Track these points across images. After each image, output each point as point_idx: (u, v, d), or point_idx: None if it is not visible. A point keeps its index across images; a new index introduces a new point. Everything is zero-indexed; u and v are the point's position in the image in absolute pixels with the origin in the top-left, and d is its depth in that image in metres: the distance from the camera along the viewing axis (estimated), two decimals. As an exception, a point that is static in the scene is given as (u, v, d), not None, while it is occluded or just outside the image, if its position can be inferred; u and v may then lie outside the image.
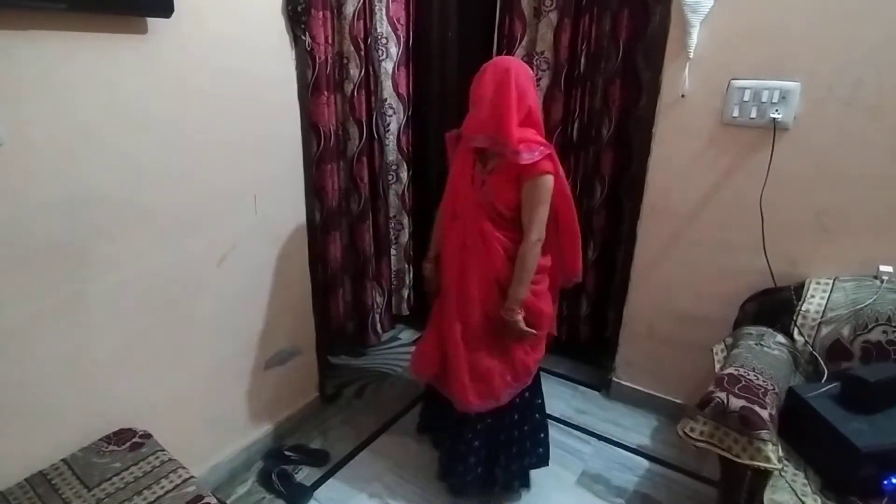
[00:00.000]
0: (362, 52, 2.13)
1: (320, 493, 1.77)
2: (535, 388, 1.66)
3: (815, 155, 1.63)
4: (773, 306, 1.69)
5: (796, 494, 1.20)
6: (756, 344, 1.53)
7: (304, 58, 1.76)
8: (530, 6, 2.14)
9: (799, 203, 1.69)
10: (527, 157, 1.36)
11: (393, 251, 2.56)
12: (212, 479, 1.71)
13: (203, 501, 1.18)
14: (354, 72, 2.11)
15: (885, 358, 1.48)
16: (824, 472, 1.26)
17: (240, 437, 1.83)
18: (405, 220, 2.55)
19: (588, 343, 2.43)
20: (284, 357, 1.93)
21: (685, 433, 1.30)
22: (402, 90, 2.34)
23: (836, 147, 1.60)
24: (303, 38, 1.70)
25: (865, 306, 1.53)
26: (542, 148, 1.39)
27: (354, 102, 2.16)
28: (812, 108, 1.61)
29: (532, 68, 1.91)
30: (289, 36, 1.67)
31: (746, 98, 1.67)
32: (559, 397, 2.25)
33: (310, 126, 1.89)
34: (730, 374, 1.35)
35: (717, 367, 1.52)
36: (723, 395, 1.27)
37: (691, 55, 1.73)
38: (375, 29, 2.13)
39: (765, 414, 1.22)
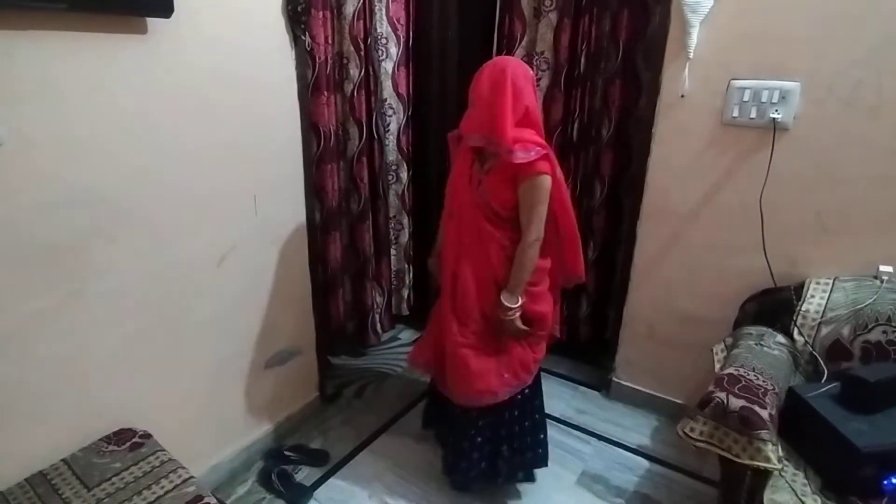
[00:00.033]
0: (362, 53, 2.13)
1: (320, 493, 1.77)
2: (535, 388, 1.66)
3: (815, 155, 1.63)
4: (773, 306, 1.69)
5: (796, 494, 1.20)
6: (756, 344, 1.53)
7: (304, 58, 1.76)
8: (530, 6, 2.13)
9: (799, 203, 1.69)
10: (521, 157, 1.35)
11: (393, 251, 2.56)
12: (212, 479, 1.71)
13: (203, 501, 1.18)
14: (354, 72, 2.11)
15: (885, 358, 1.48)
16: (824, 472, 1.26)
17: (240, 437, 1.83)
18: (405, 220, 2.55)
19: (588, 343, 2.43)
20: (284, 357, 1.93)
21: (685, 433, 1.30)
22: (402, 90, 2.34)
23: (836, 147, 1.60)
24: (303, 38, 1.70)
25: (865, 306, 1.53)
26: (538, 148, 1.37)
27: (354, 102, 2.16)
28: (812, 108, 1.61)
29: (532, 68, 1.90)
30: (289, 36, 1.67)
31: (746, 98, 1.67)
32: (559, 397, 2.25)
33: (310, 126, 1.89)
34: (730, 374, 1.35)
35: (717, 367, 1.52)
36: (723, 395, 1.27)
37: (691, 55, 1.73)
38: (375, 29, 2.13)
39: (765, 414, 1.22)
